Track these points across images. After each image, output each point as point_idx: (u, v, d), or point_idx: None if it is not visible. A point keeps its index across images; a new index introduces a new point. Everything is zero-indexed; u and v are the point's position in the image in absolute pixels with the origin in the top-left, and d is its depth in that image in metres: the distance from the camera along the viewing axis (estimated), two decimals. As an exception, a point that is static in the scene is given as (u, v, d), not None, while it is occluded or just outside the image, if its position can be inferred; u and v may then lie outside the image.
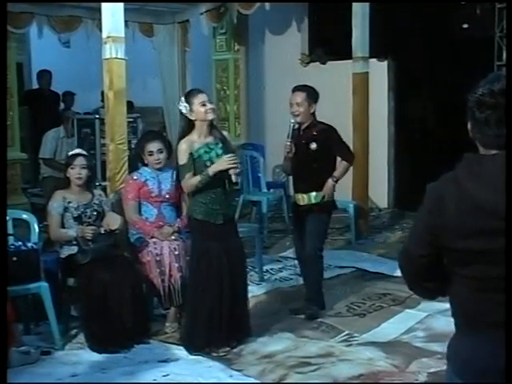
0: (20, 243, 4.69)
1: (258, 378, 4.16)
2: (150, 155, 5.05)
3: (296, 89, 5.12)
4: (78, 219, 4.88)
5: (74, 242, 4.79)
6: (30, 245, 4.69)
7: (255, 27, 9.62)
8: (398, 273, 2.13)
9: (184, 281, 4.74)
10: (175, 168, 4.60)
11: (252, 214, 8.59)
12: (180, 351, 4.55)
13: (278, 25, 9.74)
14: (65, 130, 7.74)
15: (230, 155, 4.41)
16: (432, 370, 4.13)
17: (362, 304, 5.47)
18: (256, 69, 9.84)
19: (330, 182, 5.09)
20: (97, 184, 6.16)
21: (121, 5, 5.35)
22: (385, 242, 7.60)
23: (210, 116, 4.49)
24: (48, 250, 5.06)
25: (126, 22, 5.74)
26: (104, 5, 5.34)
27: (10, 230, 4.87)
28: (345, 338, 4.77)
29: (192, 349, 4.51)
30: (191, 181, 4.43)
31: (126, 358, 4.46)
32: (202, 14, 8.92)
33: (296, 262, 5.57)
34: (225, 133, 4.83)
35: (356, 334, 4.81)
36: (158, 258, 4.83)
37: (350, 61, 7.68)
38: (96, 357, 4.47)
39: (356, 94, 7.64)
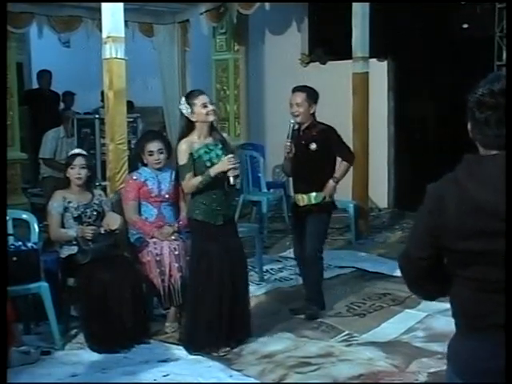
0: (20, 243, 4.69)
1: (258, 378, 4.16)
2: (150, 155, 5.05)
3: (296, 89, 5.12)
4: (78, 219, 4.88)
5: (74, 242, 4.78)
6: (30, 245, 4.69)
7: (255, 27, 9.62)
8: (398, 273, 2.13)
9: (184, 281, 4.74)
10: (175, 168, 4.60)
11: (252, 214, 8.59)
12: (180, 351, 4.55)
13: (278, 25, 9.74)
14: (65, 130, 7.74)
15: (230, 156, 4.41)
16: (432, 370, 4.13)
17: (362, 304, 5.47)
18: (256, 69, 9.83)
19: (331, 182, 5.09)
20: (97, 184, 6.16)
21: (121, 5, 5.35)
22: (385, 242, 7.60)
23: (211, 118, 4.50)
24: (48, 250, 5.06)
25: (125, 22, 5.74)
26: (104, 5, 5.34)
27: (10, 230, 4.87)
28: (345, 338, 4.77)
29: (192, 349, 4.51)
30: (192, 181, 4.43)
31: (126, 357, 4.46)
32: (201, 13, 8.92)
33: (295, 262, 5.57)
34: (224, 134, 4.84)
35: (356, 334, 4.81)
36: (158, 258, 4.83)
37: (350, 61, 7.68)
38: (96, 357, 4.47)
39: (356, 94, 7.64)
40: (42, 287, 4.57)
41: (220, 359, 4.40)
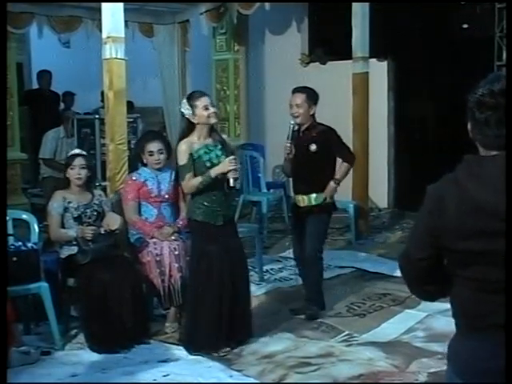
0: (20, 243, 4.69)
1: (258, 378, 4.16)
2: (151, 155, 5.05)
3: (296, 90, 5.12)
4: (78, 219, 4.88)
5: (74, 242, 4.78)
6: (30, 245, 4.69)
7: (255, 27, 9.62)
8: (398, 273, 2.13)
9: (184, 281, 4.75)
10: (175, 168, 4.60)
11: (252, 214, 8.59)
12: (180, 351, 4.55)
13: (278, 25, 9.74)
14: (65, 130, 7.74)
15: (231, 158, 4.41)
16: (432, 370, 4.13)
17: (362, 304, 5.47)
18: (256, 69, 9.83)
19: (332, 184, 5.09)
20: (97, 184, 6.16)
21: (121, 5, 5.35)
22: (385, 242, 7.60)
23: (213, 120, 4.49)
24: (48, 250, 5.06)
25: (126, 22, 5.74)
26: (104, 5, 5.34)
27: (10, 230, 4.87)
28: (345, 338, 4.77)
29: (192, 349, 4.51)
30: (192, 182, 4.43)
31: (126, 358, 4.46)
32: (201, 13, 8.92)
33: (295, 262, 5.56)
34: (224, 136, 4.84)
35: (356, 334, 4.81)
36: (158, 258, 4.83)
37: (350, 61, 7.68)
38: (96, 357, 4.47)
39: (356, 94, 7.64)
40: (42, 287, 4.57)
41: (220, 359, 4.40)
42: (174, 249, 4.86)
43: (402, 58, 8.91)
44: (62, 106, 9.89)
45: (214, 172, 4.39)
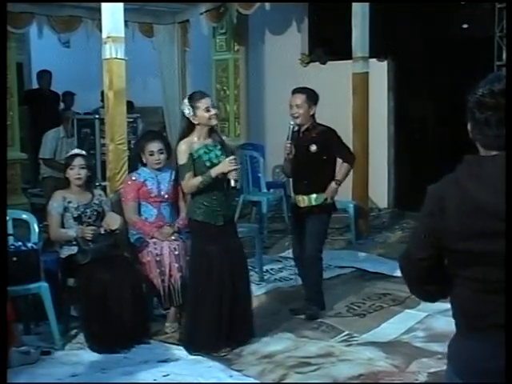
0: (20, 243, 4.69)
1: (258, 378, 4.16)
2: (151, 155, 5.05)
3: (296, 91, 5.12)
4: (78, 219, 4.88)
5: (74, 242, 4.78)
6: (30, 245, 4.69)
7: (255, 27, 9.62)
8: (398, 273, 2.13)
9: (184, 281, 4.75)
10: (175, 168, 4.60)
11: (252, 214, 8.59)
12: (180, 351, 4.55)
13: (278, 25, 9.74)
14: (65, 130, 7.74)
15: (232, 158, 4.41)
16: (432, 370, 4.13)
17: (362, 304, 5.47)
18: (256, 69, 9.83)
19: (333, 185, 5.09)
20: (97, 184, 6.16)
21: (121, 5, 5.35)
22: (385, 242, 7.60)
23: (214, 122, 4.50)
24: (48, 250, 5.06)
25: (125, 21, 5.74)
26: (104, 5, 5.34)
27: (10, 230, 4.87)
28: (345, 338, 4.77)
29: (192, 349, 4.51)
30: (192, 181, 4.43)
31: (126, 358, 4.46)
32: (201, 13, 8.92)
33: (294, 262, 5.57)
34: (223, 137, 4.85)
35: (356, 334, 4.81)
36: (158, 258, 4.83)
37: (350, 61, 7.67)
38: (96, 357, 4.47)
39: (356, 94, 7.64)
40: (42, 287, 4.57)
41: (220, 359, 4.40)
42: (174, 249, 4.86)
43: (401, 58, 8.91)
44: (61, 105, 9.89)
45: (214, 172, 4.39)
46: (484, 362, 1.86)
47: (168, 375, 4.19)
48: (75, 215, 4.88)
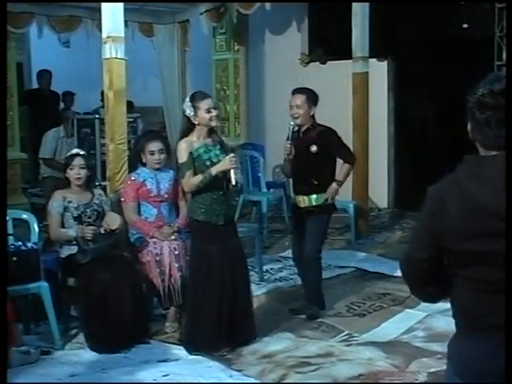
0: (20, 243, 4.69)
1: (258, 377, 4.16)
2: (151, 155, 5.05)
3: (296, 91, 5.12)
4: (78, 219, 4.88)
5: (74, 242, 4.79)
6: (30, 245, 4.69)
7: (255, 27, 9.62)
8: (398, 273, 2.13)
9: (184, 281, 4.75)
10: (174, 168, 4.61)
11: (252, 214, 8.59)
12: (180, 351, 4.55)
13: (278, 25, 9.74)
14: (65, 130, 7.74)
15: (232, 156, 4.42)
16: (432, 370, 4.13)
17: (362, 304, 5.47)
18: (256, 69, 9.83)
19: (334, 185, 5.09)
20: (97, 184, 6.16)
21: (121, 5, 5.35)
22: (385, 242, 7.60)
23: (214, 123, 4.52)
24: (48, 250, 5.06)
25: (125, 21, 5.75)
26: (104, 5, 5.34)
27: (10, 230, 4.87)
28: (345, 338, 4.77)
29: (192, 349, 4.51)
30: (192, 180, 4.44)
31: (126, 358, 4.46)
32: (201, 13, 8.92)
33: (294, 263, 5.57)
34: (223, 138, 4.86)
35: (356, 334, 4.81)
36: (157, 258, 4.84)
37: (350, 61, 7.67)
38: (96, 357, 4.47)
39: (356, 94, 7.64)
40: (42, 287, 4.57)
41: (220, 359, 4.40)
42: (174, 248, 4.86)
43: (402, 58, 8.91)
44: (61, 105, 9.89)
45: (214, 170, 4.40)
46: (484, 362, 1.86)
47: (168, 375, 4.19)
48: (75, 215, 4.88)
